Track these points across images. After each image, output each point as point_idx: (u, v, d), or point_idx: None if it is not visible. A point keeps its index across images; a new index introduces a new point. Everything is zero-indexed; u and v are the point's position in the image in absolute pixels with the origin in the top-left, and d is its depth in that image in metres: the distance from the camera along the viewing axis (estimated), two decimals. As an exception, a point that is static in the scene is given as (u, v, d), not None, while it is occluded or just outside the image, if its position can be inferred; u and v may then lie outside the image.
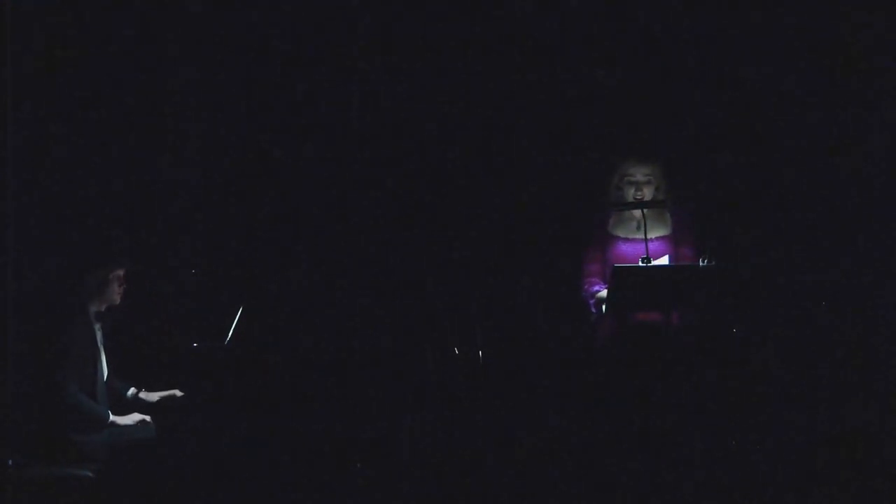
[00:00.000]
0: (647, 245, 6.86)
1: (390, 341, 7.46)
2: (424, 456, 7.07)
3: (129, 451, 6.71)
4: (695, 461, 6.70)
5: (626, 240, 7.09)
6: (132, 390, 6.95)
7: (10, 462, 6.56)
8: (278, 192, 7.91)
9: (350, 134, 7.93)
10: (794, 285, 7.54)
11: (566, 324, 7.46)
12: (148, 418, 6.82)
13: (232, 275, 7.72)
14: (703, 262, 6.77)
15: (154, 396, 6.96)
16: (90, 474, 6.56)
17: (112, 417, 6.74)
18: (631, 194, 7.08)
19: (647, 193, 7.09)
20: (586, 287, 7.08)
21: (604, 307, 6.95)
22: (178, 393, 6.97)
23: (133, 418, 6.80)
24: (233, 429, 6.91)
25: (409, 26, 7.88)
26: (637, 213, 7.02)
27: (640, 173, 7.11)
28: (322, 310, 7.60)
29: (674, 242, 7.10)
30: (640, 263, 6.82)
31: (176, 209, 7.83)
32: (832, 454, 6.89)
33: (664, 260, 6.93)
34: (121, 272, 6.86)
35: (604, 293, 6.94)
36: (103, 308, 6.86)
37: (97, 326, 6.84)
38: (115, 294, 6.85)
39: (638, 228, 7.03)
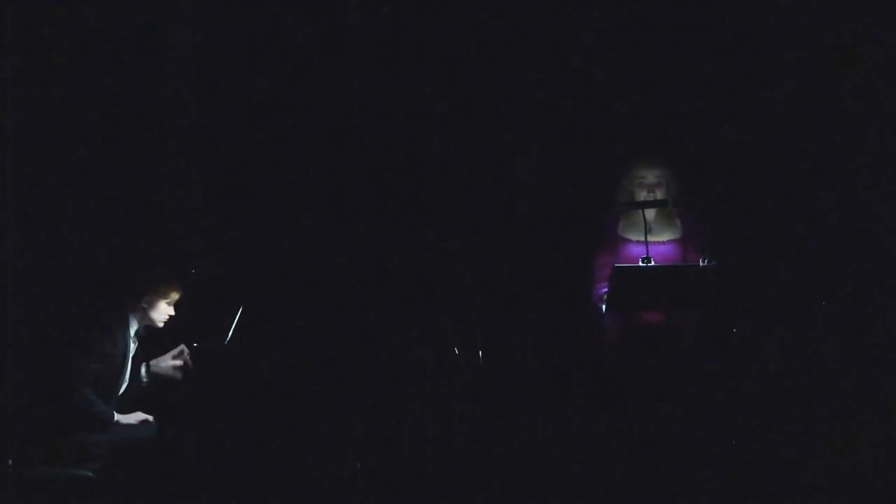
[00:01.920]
0: (648, 247, 6.86)
1: (390, 341, 7.46)
2: (424, 456, 7.07)
3: (130, 451, 6.71)
4: (695, 461, 6.70)
5: (638, 243, 7.08)
6: (143, 369, 6.94)
7: (10, 462, 6.57)
8: (279, 193, 7.91)
9: (352, 133, 7.93)
10: (794, 285, 7.54)
11: (575, 326, 7.46)
12: (150, 418, 6.82)
13: (232, 275, 7.72)
14: (703, 262, 6.77)
15: (165, 362, 6.93)
16: (90, 474, 6.56)
17: (116, 417, 6.74)
18: (643, 197, 7.08)
19: (659, 195, 7.09)
20: (597, 290, 7.08)
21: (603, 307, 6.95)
22: (185, 351, 6.93)
23: (136, 417, 6.80)
24: (233, 429, 6.91)
25: (414, 26, 7.89)
26: (647, 214, 7.01)
27: (652, 175, 7.11)
28: (322, 309, 7.60)
29: (683, 246, 7.10)
30: (641, 263, 6.82)
31: (176, 209, 7.83)
32: (832, 454, 6.90)
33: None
34: (176, 298, 6.90)
35: (612, 294, 6.94)
36: (144, 325, 6.89)
37: (133, 340, 6.87)
38: (161, 318, 6.89)
39: (650, 231, 7.04)
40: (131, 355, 6.85)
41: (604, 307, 6.99)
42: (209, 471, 6.78)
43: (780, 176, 7.75)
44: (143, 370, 6.91)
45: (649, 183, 7.09)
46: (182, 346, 6.92)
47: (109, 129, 7.67)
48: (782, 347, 7.37)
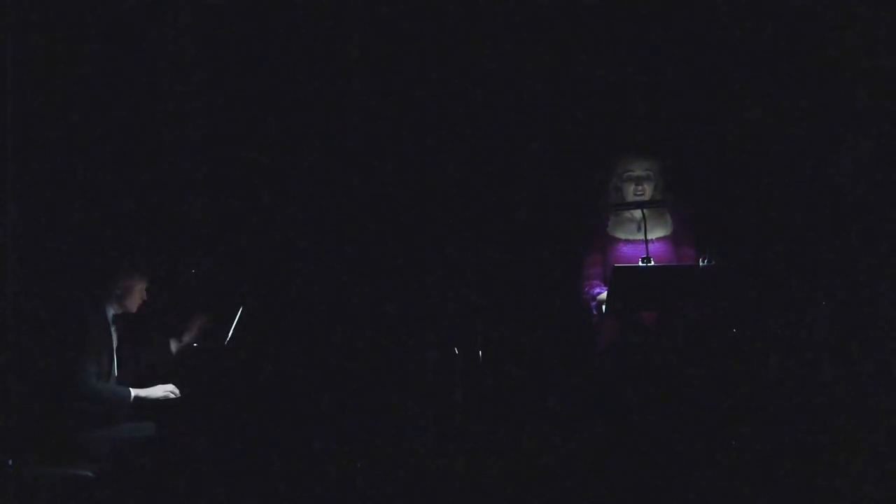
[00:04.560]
0: (648, 246, 6.85)
1: (390, 341, 7.46)
2: (424, 456, 7.08)
3: (130, 451, 6.71)
4: (695, 462, 6.70)
5: (627, 241, 7.06)
6: (132, 394, 6.95)
7: (10, 462, 6.57)
8: (279, 191, 7.91)
9: (350, 133, 7.93)
10: (795, 285, 7.54)
11: (567, 326, 7.46)
12: (173, 388, 6.85)
13: (232, 275, 7.72)
14: (703, 262, 6.75)
15: (154, 392, 6.96)
16: (90, 474, 6.57)
17: (135, 392, 6.79)
18: (631, 191, 7.06)
19: (648, 189, 7.06)
20: (587, 289, 7.05)
21: (604, 308, 6.93)
22: (173, 391, 6.97)
23: (160, 389, 6.85)
24: (233, 429, 6.91)
25: (407, 24, 7.89)
26: (637, 213, 7.00)
27: (639, 168, 7.08)
28: (322, 309, 7.60)
29: (674, 242, 7.08)
30: (641, 263, 6.81)
31: (176, 209, 7.83)
32: (832, 454, 6.90)
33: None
34: (144, 284, 6.96)
35: (605, 295, 6.91)
36: (120, 312, 6.93)
37: (112, 329, 6.90)
38: (135, 303, 6.94)
39: (638, 230, 7.01)
40: (114, 344, 6.90)
41: (594, 306, 6.99)
42: (209, 471, 6.79)
43: (776, 172, 7.74)
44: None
45: (636, 176, 7.07)
46: (172, 387, 6.94)
47: (109, 129, 7.69)
48: (782, 347, 7.37)
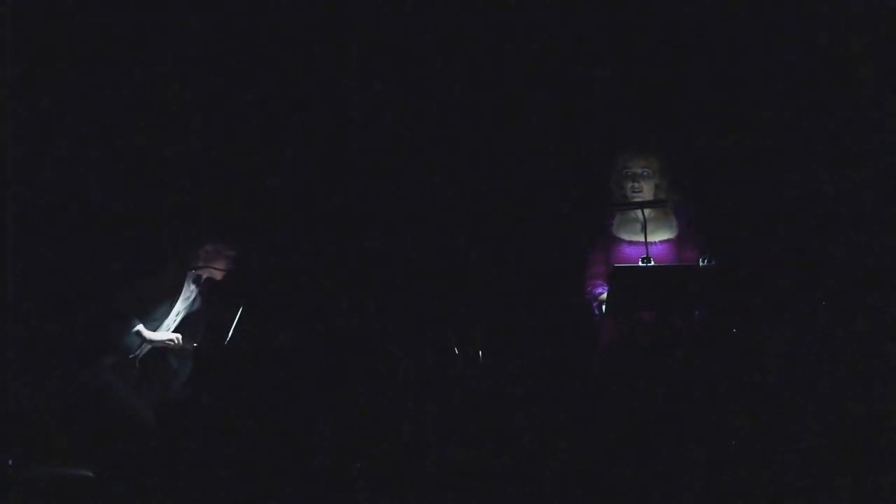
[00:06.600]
0: (648, 246, 6.84)
1: (390, 341, 7.46)
2: (424, 456, 7.08)
3: (130, 450, 6.73)
4: (695, 462, 6.70)
5: (631, 243, 7.04)
6: (139, 326, 7.07)
7: (10, 462, 6.59)
8: (278, 190, 7.92)
9: (350, 131, 7.93)
10: (794, 285, 7.53)
11: (567, 326, 7.46)
12: (177, 336, 7.07)
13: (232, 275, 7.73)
14: (703, 262, 6.74)
15: (158, 336, 7.10)
16: (90, 474, 6.58)
17: (140, 327, 7.04)
18: (629, 188, 7.04)
19: (646, 188, 7.04)
20: (589, 289, 7.04)
21: (604, 307, 6.93)
22: (177, 339, 7.10)
23: (165, 335, 7.08)
24: (233, 428, 6.92)
25: (409, 23, 7.89)
26: (643, 213, 6.97)
27: (637, 165, 7.05)
28: (322, 309, 7.61)
29: (678, 246, 7.06)
30: (641, 263, 6.80)
31: (177, 209, 7.85)
32: (833, 454, 6.89)
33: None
34: (231, 252, 7.26)
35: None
36: (204, 275, 7.19)
37: (191, 286, 7.19)
38: (218, 268, 7.22)
39: (642, 231, 6.98)
40: (189, 303, 7.16)
41: (596, 306, 6.98)
42: (209, 470, 6.80)
43: (778, 173, 7.74)
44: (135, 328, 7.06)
45: (633, 174, 7.03)
46: (177, 336, 7.12)
47: (111, 128, 7.72)
48: (782, 347, 7.36)
